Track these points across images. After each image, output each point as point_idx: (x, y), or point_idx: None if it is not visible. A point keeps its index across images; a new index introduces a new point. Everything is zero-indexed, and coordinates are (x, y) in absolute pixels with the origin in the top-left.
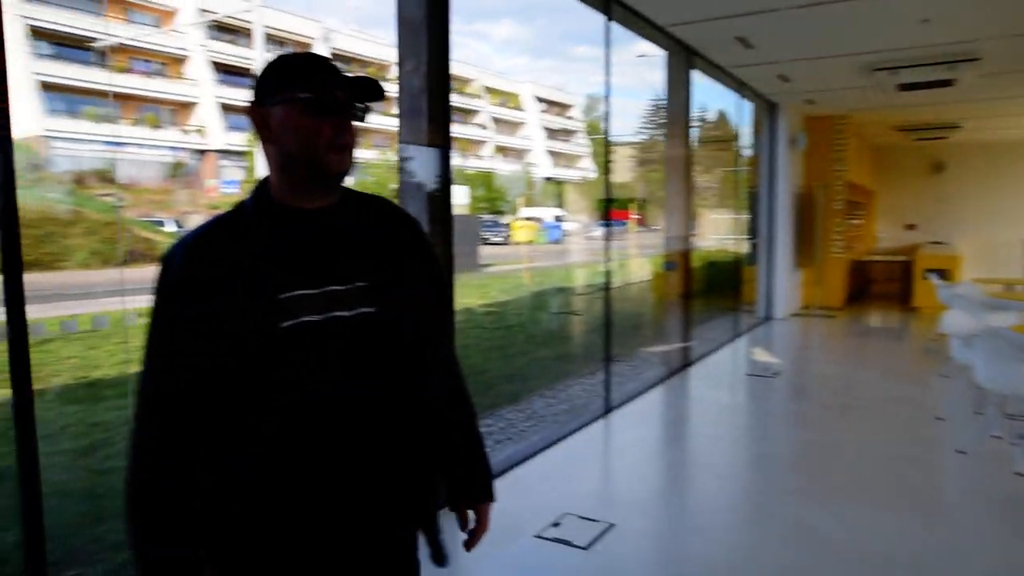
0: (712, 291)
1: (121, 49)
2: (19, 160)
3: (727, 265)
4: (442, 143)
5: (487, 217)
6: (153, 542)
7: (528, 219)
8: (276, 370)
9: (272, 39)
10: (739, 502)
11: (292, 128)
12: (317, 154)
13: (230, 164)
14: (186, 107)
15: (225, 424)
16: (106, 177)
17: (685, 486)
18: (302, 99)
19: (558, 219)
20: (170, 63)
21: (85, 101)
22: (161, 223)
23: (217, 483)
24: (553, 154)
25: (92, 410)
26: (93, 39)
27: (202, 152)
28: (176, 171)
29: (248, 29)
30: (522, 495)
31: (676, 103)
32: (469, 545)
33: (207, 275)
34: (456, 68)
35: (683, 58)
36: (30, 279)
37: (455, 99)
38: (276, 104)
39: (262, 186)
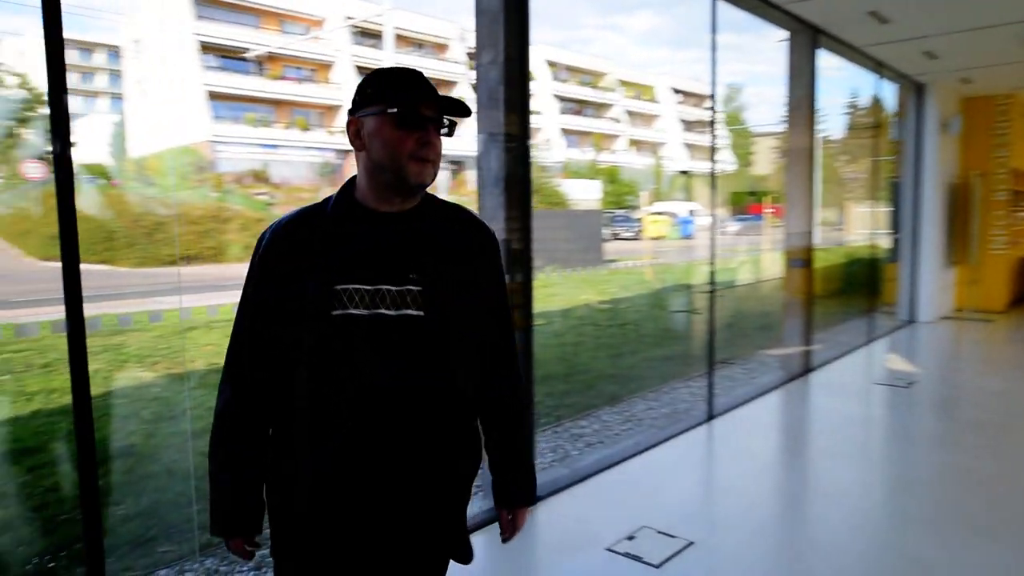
0: (851, 290)
1: (275, 58)
2: (188, 164)
3: (868, 262)
4: (520, 134)
5: (619, 212)
6: (222, 491)
7: (661, 214)
8: (323, 353)
9: (410, 41)
10: (846, 529)
11: (380, 139)
12: (400, 163)
13: None
14: (332, 110)
15: (283, 396)
16: (261, 177)
17: (783, 505)
18: (391, 113)
19: (692, 213)
20: (319, 68)
21: (245, 107)
22: None
23: (274, 452)
24: (690, 146)
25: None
26: (251, 50)
27: (346, 152)
28: (323, 170)
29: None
30: (602, 503)
31: (799, 87)
32: (504, 540)
33: (283, 256)
34: (589, 62)
35: (807, 38)
36: (194, 271)
37: (588, 94)
38: (368, 116)
39: (347, 186)
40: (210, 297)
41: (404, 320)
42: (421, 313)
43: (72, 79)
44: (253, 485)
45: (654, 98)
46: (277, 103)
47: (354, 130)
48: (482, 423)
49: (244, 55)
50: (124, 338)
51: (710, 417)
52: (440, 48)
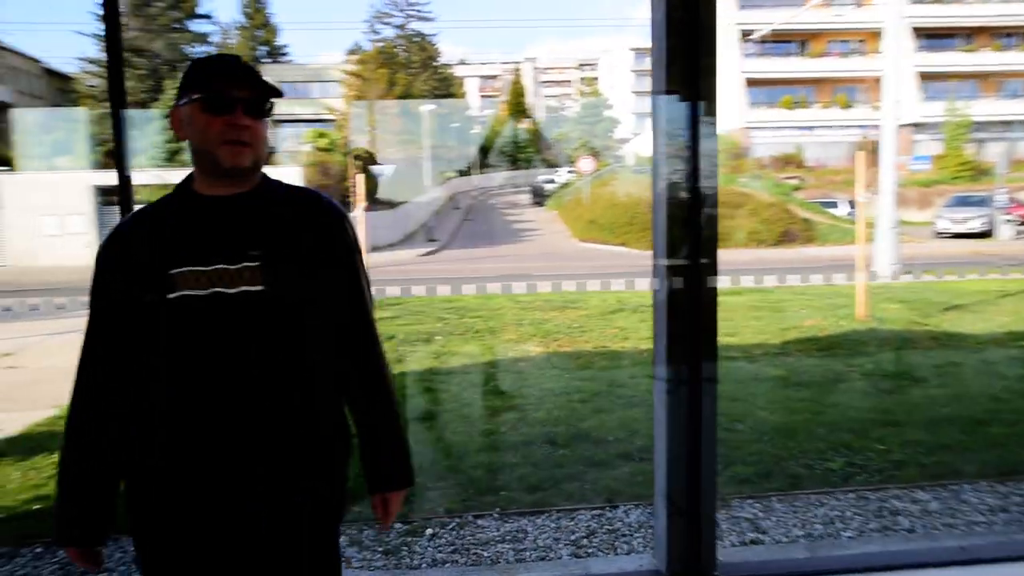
0: None
1: (819, 35)
2: (723, 151)
3: None
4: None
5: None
6: (62, 501)
7: None
8: (163, 338)
9: None
10: None
11: (193, 125)
12: (212, 148)
13: (925, 138)
14: (878, 82)
15: (133, 387)
16: (793, 160)
17: None
18: (198, 99)
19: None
20: (868, 38)
21: (783, 91)
22: (834, 204)
23: (128, 441)
24: None
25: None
26: (794, 31)
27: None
28: (864, 149)
29: None
30: None
31: None
32: (381, 529)
33: (120, 252)
34: None
35: None
36: None
37: None
38: (183, 104)
39: (187, 177)
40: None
41: (244, 297)
42: (261, 288)
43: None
44: (96, 496)
45: None
46: (817, 82)
47: (176, 120)
48: (348, 405)
49: (784, 36)
50: (559, 314)
51: None
52: None
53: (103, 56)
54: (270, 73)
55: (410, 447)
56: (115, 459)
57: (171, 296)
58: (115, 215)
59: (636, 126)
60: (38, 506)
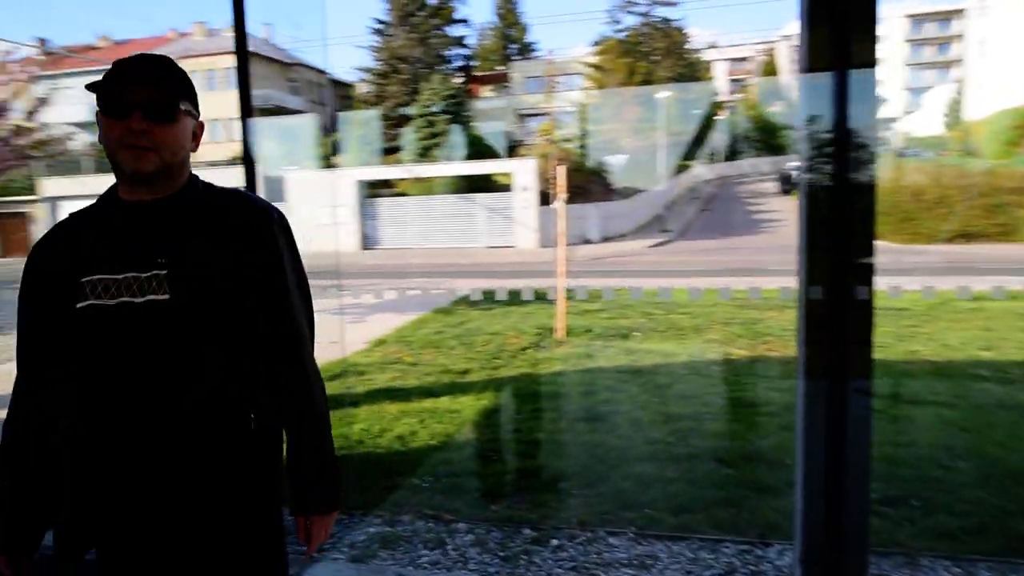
0: None
1: None
2: (1012, 128)
3: None
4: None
5: None
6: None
7: None
8: (74, 346)
9: None
10: None
11: (100, 131)
12: (113, 152)
13: None
14: None
15: (56, 396)
16: None
17: None
18: (100, 103)
19: None
20: None
21: None
22: None
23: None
24: None
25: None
26: None
27: None
28: None
29: None
30: None
31: None
32: (304, 555)
33: (40, 258)
34: None
35: None
36: (965, 251)
37: None
38: (98, 110)
39: (115, 182)
40: (973, 280)
41: (150, 306)
42: (167, 296)
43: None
44: (26, 502)
45: None
46: None
47: (98, 125)
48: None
49: None
50: (777, 315)
51: None
52: None
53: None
54: (517, 70)
55: (339, 469)
56: (45, 466)
57: (80, 305)
58: (375, 206)
59: (909, 103)
60: None
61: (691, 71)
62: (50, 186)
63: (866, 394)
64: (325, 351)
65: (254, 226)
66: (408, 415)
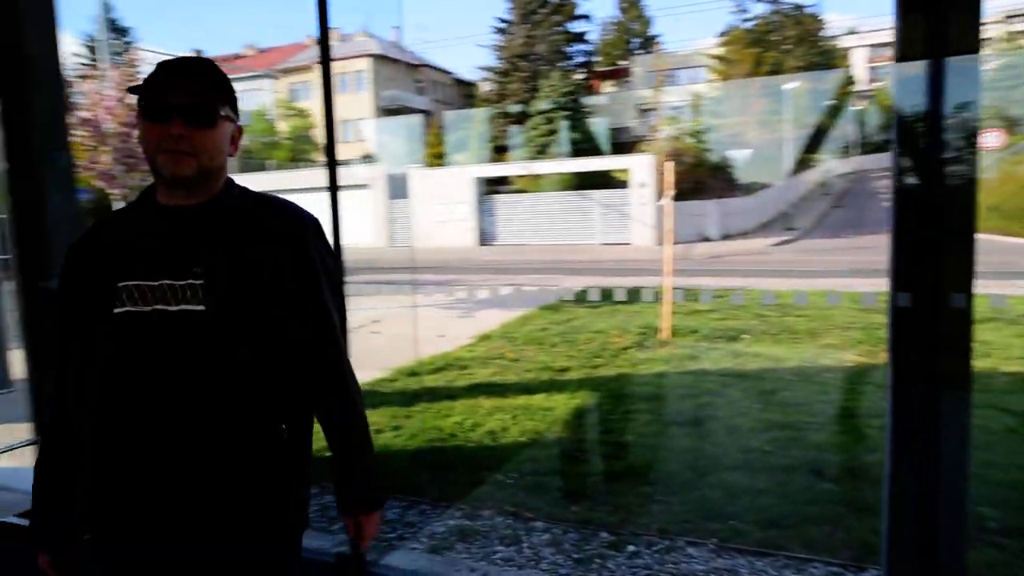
0: None
1: None
2: None
3: None
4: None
5: None
6: (34, 506)
7: None
8: (108, 354)
9: None
10: None
11: (140, 133)
12: (152, 156)
13: None
14: None
15: (88, 400)
16: None
17: None
18: (141, 106)
19: None
20: None
21: None
22: None
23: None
24: None
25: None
26: None
27: None
28: None
29: None
30: None
31: None
32: (356, 548)
33: (79, 262)
34: None
35: None
36: None
37: None
38: (138, 112)
39: (152, 184)
40: None
41: (183, 316)
42: (201, 308)
43: None
44: (63, 503)
45: None
46: None
47: (137, 127)
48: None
49: None
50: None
51: None
52: None
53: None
54: (638, 64)
55: (378, 468)
56: (81, 466)
57: (117, 311)
58: (492, 203)
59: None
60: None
61: (825, 59)
62: None
63: (963, 409)
64: (431, 345)
65: (289, 234)
66: (502, 411)
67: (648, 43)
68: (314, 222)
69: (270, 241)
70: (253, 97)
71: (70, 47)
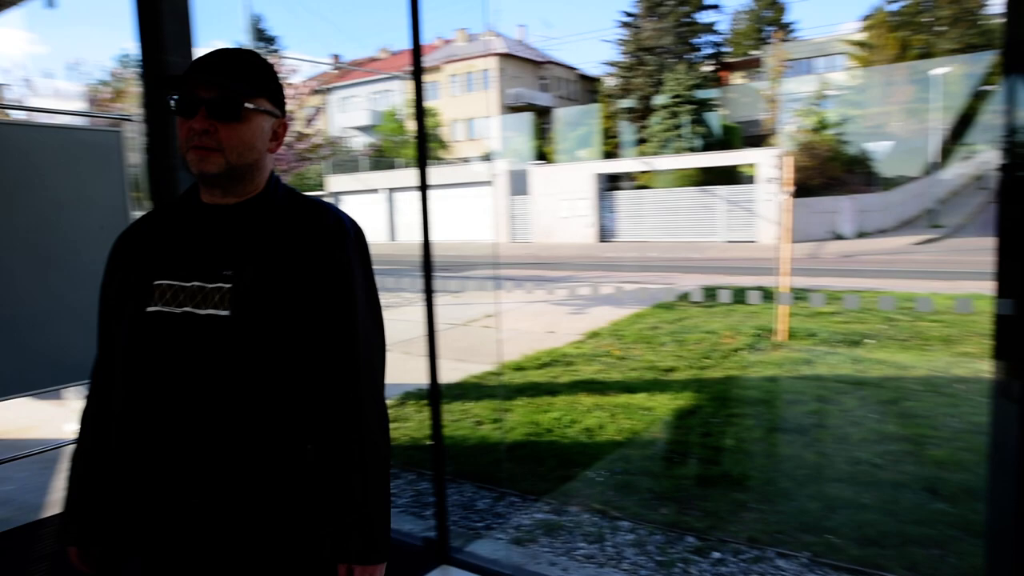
0: None
1: None
2: None
3: None
4: None
5: None
6: (65, 498)
7: None
8: (134, 353)
9: None
10: None
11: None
12: (184, 152)
13: None
14: None
15: (116, 398)
16: None
17: None
18: (173, 102)
19: None
20: None
21: None
22: None
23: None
24: None
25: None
26: None
27: None
28: None
29: None
30: None
31: None
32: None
33: (122, 254)
34: None
35: None
36: None
37: None
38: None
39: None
40: None
41: (210, 321)
42: (227, 313)
43: None
44: (91, 497)
45: None
46: None
47: None
48: (317, 452)
49: None
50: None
51: None
52: None
53: (621, 58)
54: (771, 53)
55: (385, 516)
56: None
57: (150, 310)
58: (613, 199)
59: None
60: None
61: (985, 40)
62: (333, 183)
63: None
64: (540, 340)
65: (327, 243)
66: (601, 408)
67: (784, 30)
68: (356, 232)
69: (307, 249)
70: (385, 98)
71: None
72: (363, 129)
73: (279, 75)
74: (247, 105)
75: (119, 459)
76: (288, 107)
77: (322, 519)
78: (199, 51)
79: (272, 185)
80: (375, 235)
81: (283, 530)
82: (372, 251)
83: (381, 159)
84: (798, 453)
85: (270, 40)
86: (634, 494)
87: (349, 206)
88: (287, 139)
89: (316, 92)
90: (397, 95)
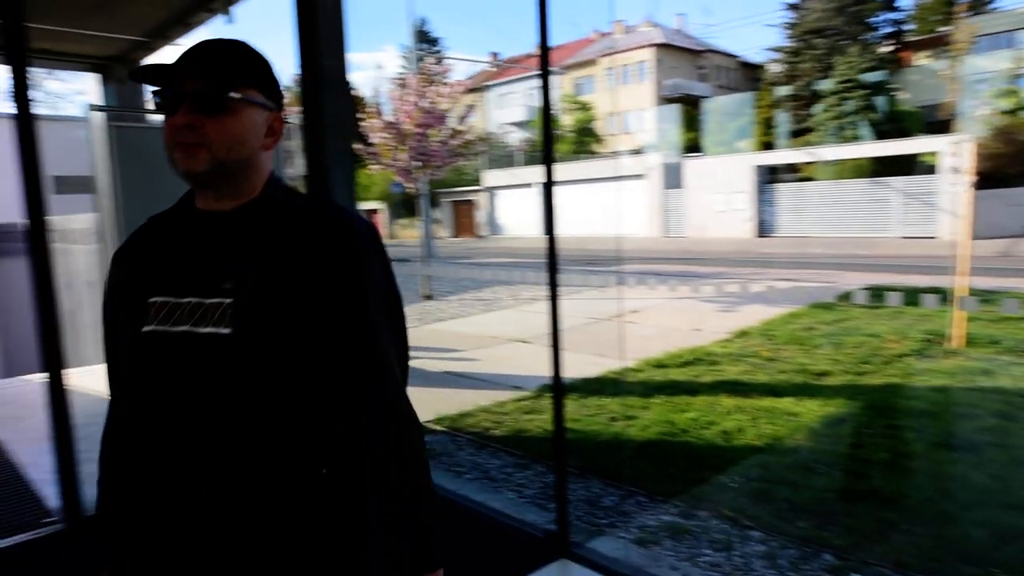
0: None
1: None
2: None
3: None
4: None
5: None
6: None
7: None
8: (132, 377)
9: None
10: None
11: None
12: (169, 154)
13: None
14: None
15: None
16: None
17: None
18: (155, 98)
19: None
20: None
21: None
22: None
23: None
24: None
25: None
26: None
27: None
28: None
29: None
30: None
31: None
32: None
33: (120, 267)
34: None
35: None
36: None
37: None
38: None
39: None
40: None
41: (211, 340)
42: (229, 331)
43: None
44: (110, 512)
45: None
46: None
47: None
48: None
49: None
50: None
51: None
52: None
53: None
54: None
55: (436, 523)
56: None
57: (146, 329)
58: (773, 192)
59: None
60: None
61: None
62: (489, 177)
63: None
64: (685, 338)
65: (336, 248)
66: (742, 411)
67: (978, 3)
68: (370, 234)
69: (314, 256)
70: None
71: (392, 60)
72: (519, 124)
73: (274, 73)
74: (233, 95)
75: (126, 496)
76: (444, 105)
77: (352, 545)
78: (353, 56)
79: (273, 187)
80: (528, 228)
81: (296, 556)
82: (525, 245)
83: (536, 154)
84: (966, 473)
85: (433, 42)
86: (769, 503)
87: (504, 200)
88: (441, 135)
89: (472, 91)
90: (554, 91)
